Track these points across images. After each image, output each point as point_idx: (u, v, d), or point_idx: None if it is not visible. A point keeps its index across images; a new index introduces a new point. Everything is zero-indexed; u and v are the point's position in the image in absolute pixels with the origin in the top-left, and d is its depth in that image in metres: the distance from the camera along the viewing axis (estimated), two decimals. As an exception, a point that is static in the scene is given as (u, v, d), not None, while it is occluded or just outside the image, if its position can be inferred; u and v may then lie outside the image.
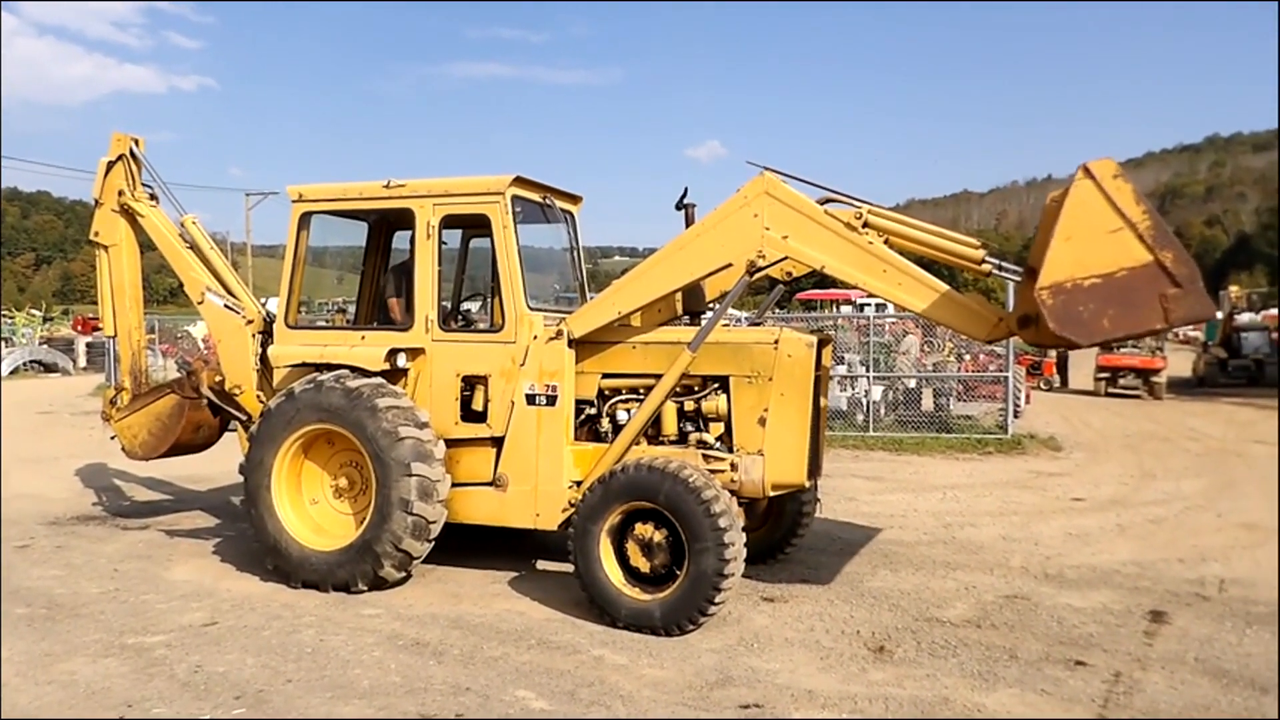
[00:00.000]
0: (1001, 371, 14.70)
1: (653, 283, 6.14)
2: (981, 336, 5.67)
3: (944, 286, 5.57)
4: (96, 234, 8.09)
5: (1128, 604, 6.30)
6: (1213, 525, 8.80)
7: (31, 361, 29.71)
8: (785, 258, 5.84)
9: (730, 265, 5.92)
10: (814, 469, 6.39)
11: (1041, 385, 24.34)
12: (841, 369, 15.25)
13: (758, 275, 5.94)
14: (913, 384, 15.54)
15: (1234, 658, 5.31)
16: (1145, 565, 7.30)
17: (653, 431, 6.39)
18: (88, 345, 31.48)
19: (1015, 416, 14.70)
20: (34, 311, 41.72)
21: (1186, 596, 6.49)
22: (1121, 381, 23.12)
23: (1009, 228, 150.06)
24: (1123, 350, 23.72)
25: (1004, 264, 5.66)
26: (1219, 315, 29.59)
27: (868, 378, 14.87)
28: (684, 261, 6.03)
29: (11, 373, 28.28)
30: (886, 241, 5.71)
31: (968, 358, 17.32)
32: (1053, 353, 25.91)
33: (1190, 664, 5.21)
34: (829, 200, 5.89)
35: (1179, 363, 28.89)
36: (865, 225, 5.68)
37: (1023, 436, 14.00)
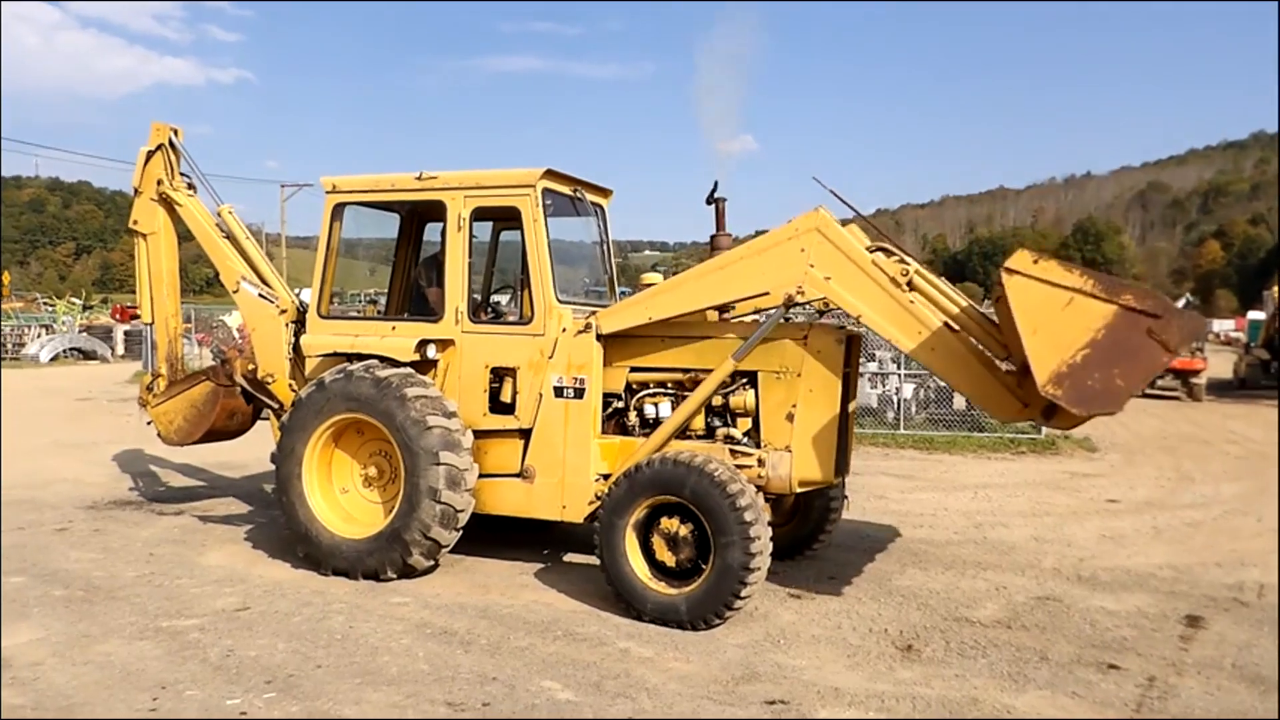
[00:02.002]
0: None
1: (689, 296, 6.14)
2: (1004, 419, 5.58)
3: (977, 362, 5.49)
4: (135, 222, 8.21)
5: (1163, 608, 6.19)
6: (1252, 530, 8.62)
7: (71, 349, 30.30)
8: (824, 297, 5.79)
9: (767, 294, 5.89)
10: (842, 466, 6.34)
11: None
12: (873, 366, 15.14)
13: (793, 308, 5.88)
14: (945, 382, 15.37)
15: (1272, 664, 5.20)
16: (1182, 569, 7.18)
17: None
18: (126, 333, 32.08)
19: (1049, 416, 14.46)
20: (74, 300, 42.54)
21: (1224, 601, 6.36)
22: (1159, 383, 22.69)
23: (1046, 225, 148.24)
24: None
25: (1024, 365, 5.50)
26: (1263, 315, 28.98)
27: (899, 375, 14.74)
28: (723, 281, 6.01)
29: (52, 359, 28.86)
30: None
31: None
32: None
33: (1227, 670, 5.11)
34: (878, 249, 5.80)
35: (1220, 364, 28.37)
36: (910, 285, 5.60)
37: (1056, 436, 13.81)
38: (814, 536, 7.10)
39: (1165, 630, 5.76)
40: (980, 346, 5.56)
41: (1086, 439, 14.10)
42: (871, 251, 5.72)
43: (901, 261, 5.66)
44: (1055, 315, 4.75)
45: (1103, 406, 4.75)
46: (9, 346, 30.30)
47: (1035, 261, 4.81)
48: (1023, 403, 5.38)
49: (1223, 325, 58.81)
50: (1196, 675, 5.02)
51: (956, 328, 5.56)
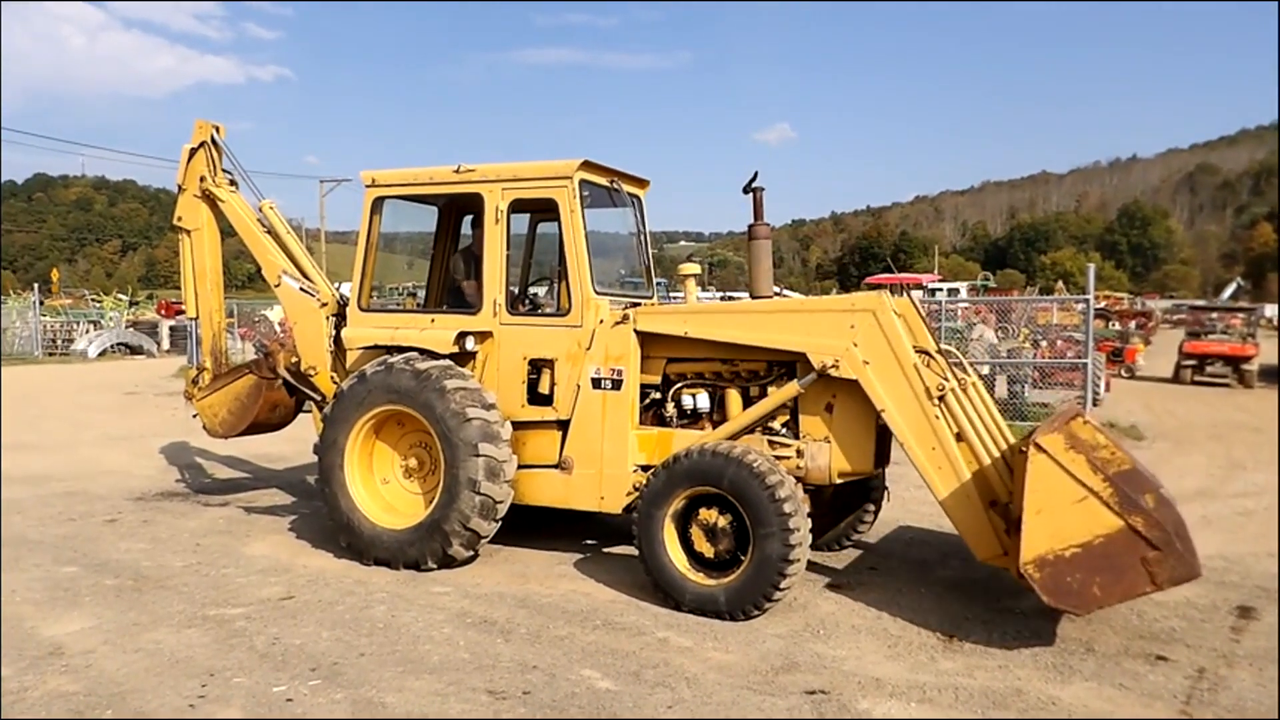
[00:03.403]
0: (1080, 358, 14.25)
1: (728, 327, 6.19)
2: (981, 557, 5.57)
3: (975, 495, 5.50)
4: (180, 219, 8.34)
5: (1213, 599, 6.07)
6: (1306, 519, 8.40)
7: (118, 344, 30.95)
8: (855, 379, 5.76)
9: (804, 355, 5.89)
10: (882, 457, 6.29)
11: (1122, 373, 23.54)
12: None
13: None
14: (986, 371, 15.17)
15: (1328, 657, 5.07)
16: (1233, 559, 7.02)
17: (718, 417, 6.37)
18: (171, 328, 32.66)
19: (1094, 405, 14.24)
20: (120, 296, 43.44)
21: (1276, 592, 6.21)
22: (1209, 369, 22.21)
23: (1090, 210, 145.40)
24: (1211, 337, 22.82)
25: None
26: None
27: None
28: (764, 325, 6.06)
29: (100, 355, 29.51)
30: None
31: (1044, 344, 16.84)
32: (1136, 339, 25.04)
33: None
34: (923, 351, 5.76)
35: (1272, 350, 27.64)
36: (941, 399, 5.58)
37: (1102, 425, 13.53)
38: (853, 527, 7.05)
39: (1215, 621, 5.64)
40: (987, 480, 5.56)
41: (1133, 427, 13.84)
42: (917, 352, 5.70)
43: (943, 375, 5.67)
44: (1064, 505, 4.86)
45: (1070, 606, 4.90)
46: (58, 342, 31.02)
47: (1068, 449, 4.89)
48: (1004, 549, 5.42)
49: (1275, 310, 57.24)
50: (1248, 667, 4.92)
51: (972, 459, 5.58)
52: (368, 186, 7.19)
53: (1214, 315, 24.59)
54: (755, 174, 6.62)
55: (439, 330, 6.72)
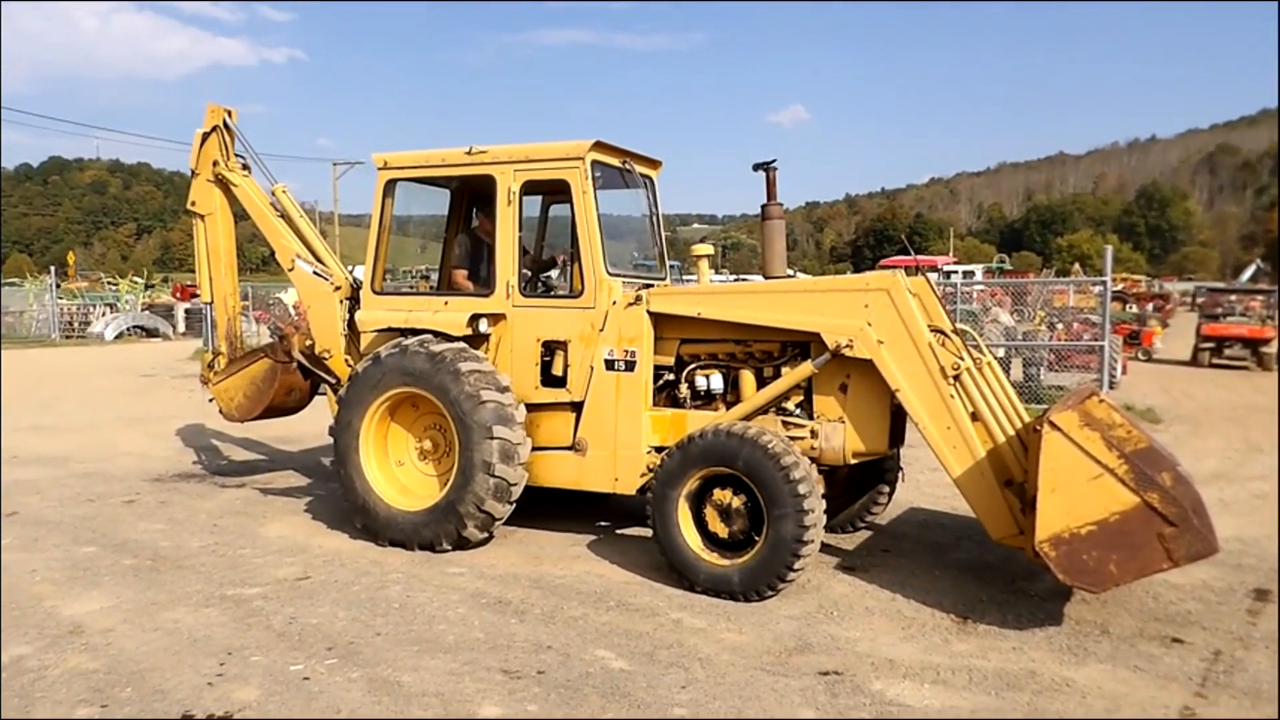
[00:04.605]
0: (1097, 340, 14.15)
1: (742, 307, 6.17)
2: (994, 536, 5.54)
3: (990, 474, 5.47)
4: (193, 203, 8.37)
5: (1230, 581, 6.03)
6: (1324, 502, 8.33)
7: (134, 327, 31.16)
8: (869, 359, 5.74)
9: (817, 336, 5.86)
10: (897, 437, 6.27)
11: (1139, 355, 23.36)
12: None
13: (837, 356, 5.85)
14: (1001, 353, 15.08)
15: (1346, 640, 5.03)
16: (1249, 542, 6.97)
17: (732, 398, 6.37)
18: (186, 311, 32.84)
19: (1111, 387, 14.15)
20: (136, 279, 43.64)
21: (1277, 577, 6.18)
22: (1227, 352, 22.02)
23: (1108, 191, 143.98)
24: (1229, 319, 22.61)
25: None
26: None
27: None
28: (777, 305, 6.03)
29: (116, 337, 29.73)
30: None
31: (1060, 327, 16.71)
32: (1154, 321, 24.81)
33: (1297, 645, 4.97)
34: (938, 330, 5.72)
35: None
36: (956, 379, 5.55)
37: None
38: (867, 509, 7.04)
39: (1232, 604, 5.62)
40: (1002, 459, 5.53)
41: (1150, 410, 13.74)
42: (932, 331, 5.66)
43: (959, 354, 5.64)
44: (1079, 483, 4.81)
45: (1087, 584, 4.86)
46: (75, 325, 31.26)
47: (1082, 427, 4.84)
48: (1019, 528, 5.39)
49: (1294, 292, 56.47)
50: (1264, 650, 4.89)
51: (987, 438, 5.56)
52: (380, 169, 7.18)
53: (1233, 297, 24.32)
54: (774, 160, 6.56)
55: (452, 313, 6.72)
